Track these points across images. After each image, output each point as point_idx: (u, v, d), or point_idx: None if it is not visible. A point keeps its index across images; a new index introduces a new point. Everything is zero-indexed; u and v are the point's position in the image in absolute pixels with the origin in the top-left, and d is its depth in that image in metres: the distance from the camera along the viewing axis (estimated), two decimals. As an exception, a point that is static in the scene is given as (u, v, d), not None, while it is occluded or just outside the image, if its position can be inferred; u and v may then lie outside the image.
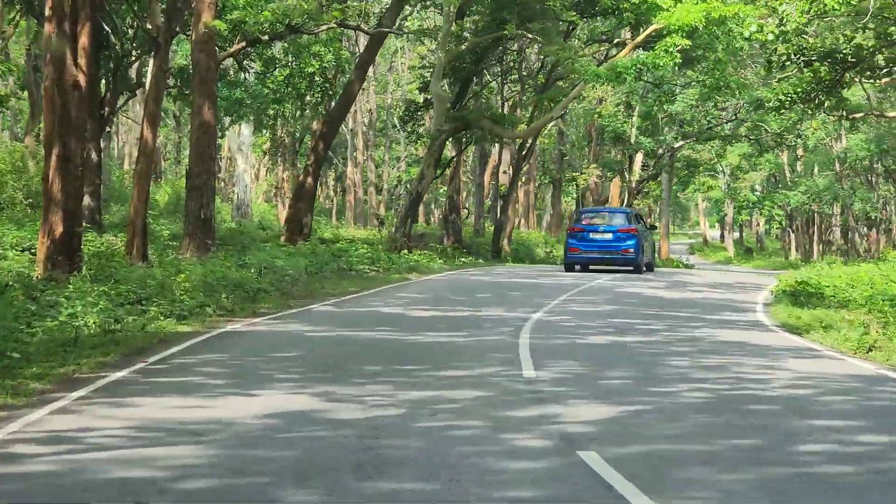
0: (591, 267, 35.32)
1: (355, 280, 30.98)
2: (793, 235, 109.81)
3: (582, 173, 69.50)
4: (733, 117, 58.14)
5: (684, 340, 18.28)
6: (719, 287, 32.57)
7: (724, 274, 41.81)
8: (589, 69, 39.89)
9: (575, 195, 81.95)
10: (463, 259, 42.25)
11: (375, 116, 76.64)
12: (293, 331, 18.97)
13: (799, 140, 63.24)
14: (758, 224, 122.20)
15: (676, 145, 59.62)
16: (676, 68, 39.51)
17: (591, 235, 34.56)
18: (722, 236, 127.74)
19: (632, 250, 34.34)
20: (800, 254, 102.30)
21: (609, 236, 34.39)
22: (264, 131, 61.26)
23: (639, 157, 59.93)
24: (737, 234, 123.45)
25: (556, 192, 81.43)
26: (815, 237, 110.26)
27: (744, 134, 61.44)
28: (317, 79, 37.98)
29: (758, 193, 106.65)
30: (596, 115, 67.41)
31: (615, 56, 41.76)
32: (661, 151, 59.29)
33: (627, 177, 58.69)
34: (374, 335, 18.19)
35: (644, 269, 35.17)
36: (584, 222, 35.61)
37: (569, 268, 35.47)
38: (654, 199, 78.67)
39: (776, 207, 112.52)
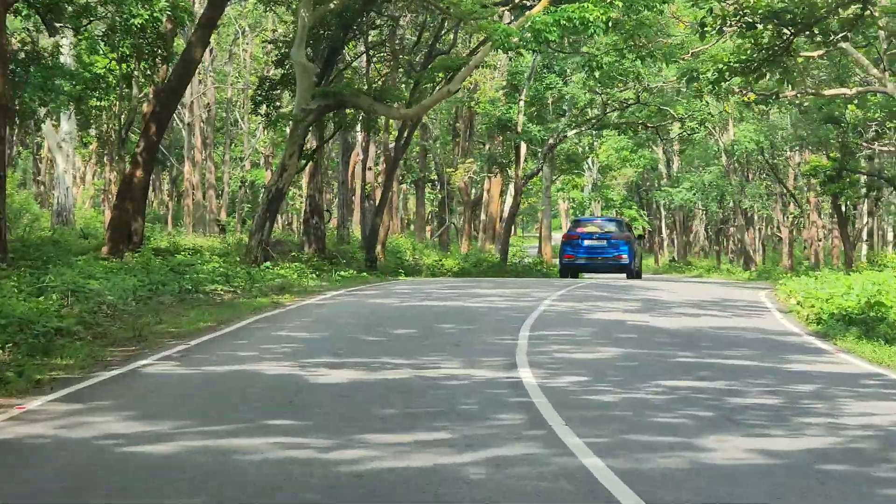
0: (579, 273, 36.45)
1: (206, 308, 21.21)
2: (663, 236, 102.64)
3: (456, 169, 60.43)
4: (635, 100, 49.69)
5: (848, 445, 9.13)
6: (710, 307, 23.68)
7: (683, 286, 33.09)
8: (499, 28, 30.72)
9: (440, 195, 72.87)
10: (342, 273, 32.62)
11: (215, 112, 66.43)
12: (90, 450, 9.02)
13: (702, 127, 55.10)
14: None
15: (570, 133, 50.97)
16: (609, 26, 30.47)
17: (586, 243, 35.22)
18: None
19: (625, 256, 35.10)
20: (676, 256, 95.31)
21: (604, 243, 35.08)
22: (91, 128, 50.85)
23: (523, 149, 51.06)
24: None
25: (420, 192, 72.30)
26: (697, 237, 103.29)
27: (641, 122, 53.05)
28: (147, 34, 27.94)
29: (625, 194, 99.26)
30: (469, 103, 58.38)
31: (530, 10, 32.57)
32: (550, 141, 50.61)
33: (515, 171, 49.75)
34: (266, 453, 8.58)
35: (635, 275, 35.93)
36: (578, 230, 36.18)
37: (564, 273, 36.13)
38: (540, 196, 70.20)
39: (642, 211, 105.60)
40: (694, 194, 74.70)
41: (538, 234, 69.29)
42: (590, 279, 35.78)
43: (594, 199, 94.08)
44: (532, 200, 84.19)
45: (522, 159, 50.93)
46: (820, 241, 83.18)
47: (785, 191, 79.66)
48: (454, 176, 59.72)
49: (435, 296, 24.43)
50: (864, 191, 68.16)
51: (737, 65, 36.29)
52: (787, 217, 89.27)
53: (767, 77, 38.15)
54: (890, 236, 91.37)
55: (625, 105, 50.83)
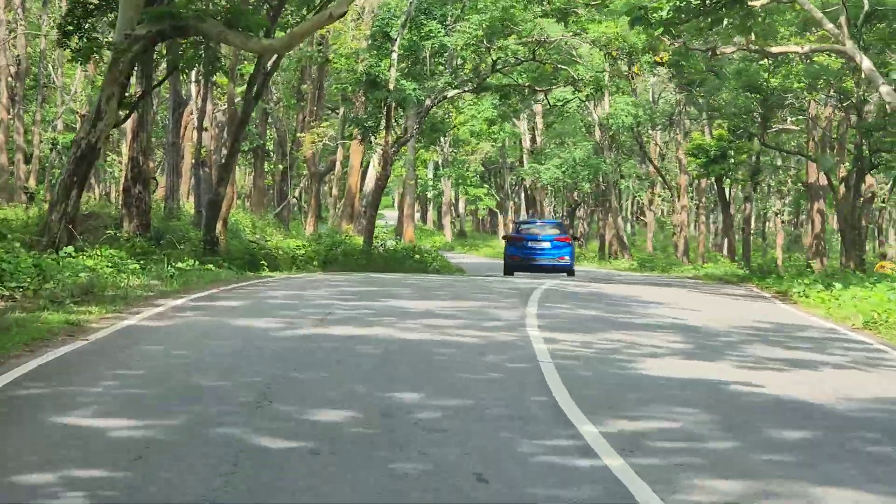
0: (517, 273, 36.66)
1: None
2: (502, 217, 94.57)
3: (306, 134, 50.83)
4: (530, 56, 40.78)
5: None
6: (781, 338, 14.82)
7: (667, 295, 24.44)
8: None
9: (282, 166, 63.09)
10: (178, 264, 22.77)
11: (26, 66, 55.46)
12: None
13: (597, 93, 46.54)
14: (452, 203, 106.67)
15: (450, 93, 41.79)
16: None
17: (530, 244, 36.40)
18: (423, 216, 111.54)
19: (567, 258, 36.28)
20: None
21: (547, 245, 36.31)
22: None
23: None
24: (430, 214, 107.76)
25: (259, 161, 62.50)
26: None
27: (528, 84, 44.26)
28: None
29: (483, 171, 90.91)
30: (320, 58, 48.92)
31: None
32: (427, 102, 41.43)
33: (385, 138, 40.34)
34: None
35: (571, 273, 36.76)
36: (522, 232, 37.52)
37: (508, 272, 36.76)
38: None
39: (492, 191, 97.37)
40: (564, 172, 66.41)
41: (397, 213, 60.26)
42: (532, 280, 30.65)
43: (445, 175, 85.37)
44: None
45: (391, 121, 41.67)
46: (690, 227, 76.08)
47: (652, 170, 72.22)
48: (305, 142, 50.16)
49: (341, 315, 15.02)
50: (744, 174, 61.31)
51: (697, 3, 27.82)
52: (654, 200, 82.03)
53: (724, 23, 29.79)
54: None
55: (518, 61, 41.89)
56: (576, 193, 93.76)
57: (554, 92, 47.78)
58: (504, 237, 41.22)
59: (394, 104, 40.65)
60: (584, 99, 45.96)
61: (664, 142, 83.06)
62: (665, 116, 70.91)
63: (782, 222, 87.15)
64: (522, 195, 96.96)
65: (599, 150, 67.42)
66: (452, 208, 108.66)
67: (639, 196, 71.52)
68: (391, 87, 39.89)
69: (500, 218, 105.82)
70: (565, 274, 35.82)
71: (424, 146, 68.27)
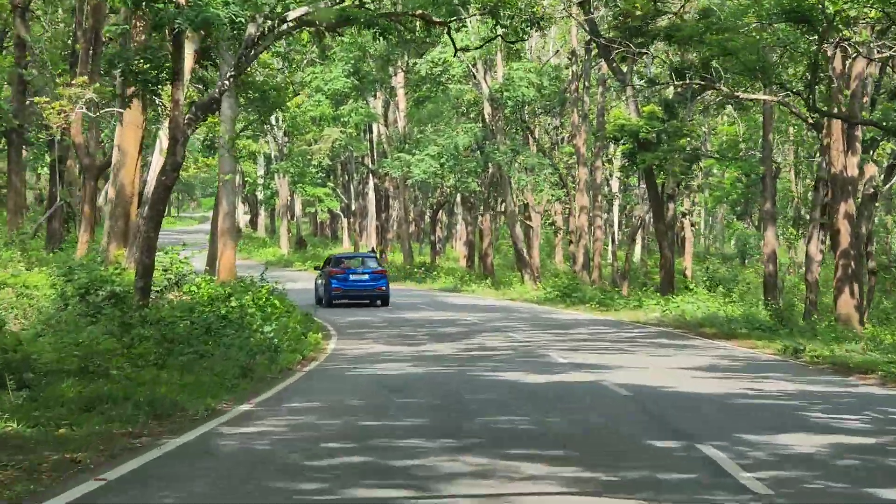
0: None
1: None
2: (347, 221, 75.45)
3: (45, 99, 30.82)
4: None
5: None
6: None
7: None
8: None
9: (51, 157, 42.81)
10: None
11: None
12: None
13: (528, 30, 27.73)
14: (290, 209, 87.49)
15: (292, 15, 22.52)
16: None
17: (352, 277, 38.18)
18: (253, 220, 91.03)
19: (384, 288, 38.30)
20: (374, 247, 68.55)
21: (366, 277, 38.22)
22: None
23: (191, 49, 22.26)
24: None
25: (14, 150, 42.46)
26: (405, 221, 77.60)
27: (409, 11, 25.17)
28: None
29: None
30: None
31: None
32: (252, 31, 22.28)
33: (172, 91, 21.00)
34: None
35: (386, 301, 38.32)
36: (342, 266, 38.83)
37: (330, 304, 37.88)
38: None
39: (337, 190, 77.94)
40: (443, 164, 47.40)
41: (211, 225, 40.37)
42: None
43: (280, 171, 65.69)
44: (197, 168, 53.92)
45: (188, 70, 21.99)
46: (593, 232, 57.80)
47: (544, 162, 53.99)
48: (46, 113, 30.04)
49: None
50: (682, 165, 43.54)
51: None
52: (544, 199, 63.65)
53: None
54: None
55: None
56: (439, 191, 75.03)
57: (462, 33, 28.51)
58: (319, 269, 41.25)
59: (188, 31, 21.00)
60: (511, 37, 26.79)
61: (553, 127, 64.85)
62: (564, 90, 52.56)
63: (692, 225, 68.81)
64: (372, 195, 77.97)
65: (490, 134, 48.52)
66: (289, 211, 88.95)
67: (547, 195, 52.82)
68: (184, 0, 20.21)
69: (344, 222, 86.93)
70: (381, 302, 38.14)
71: (253, 131, 48.55)
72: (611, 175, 67.16)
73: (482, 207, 61.82)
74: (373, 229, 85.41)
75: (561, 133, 64.82)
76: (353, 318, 32.55)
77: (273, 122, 66.26)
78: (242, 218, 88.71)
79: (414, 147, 51.04)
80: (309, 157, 60.41)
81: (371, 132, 66.21)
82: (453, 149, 48.25)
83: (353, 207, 73.73)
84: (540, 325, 29.49)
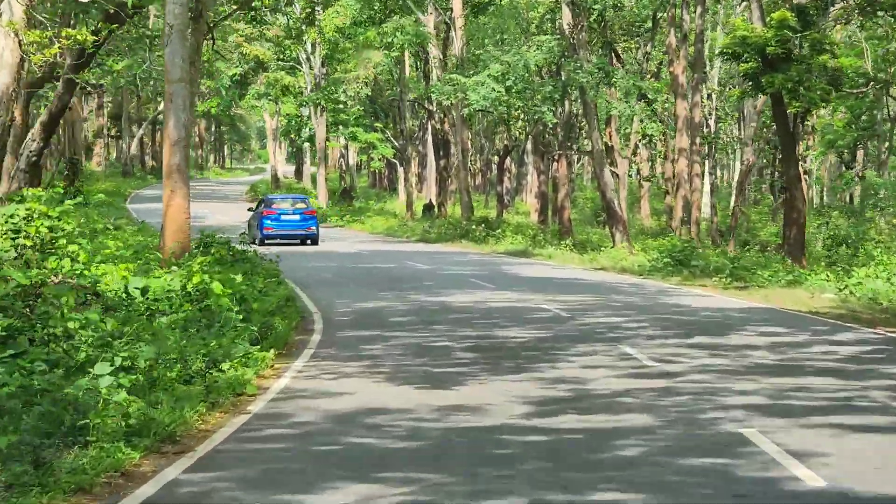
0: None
1: None
2: (403, 170, 63.35)
3: None
4: None
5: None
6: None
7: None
8: None
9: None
10: None
11: None
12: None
13: None
14: (343, 154, 75.63)
15: None
16: None
17: (283, 217, 38.17)
18: (299, 171, 78.86)
19: (314, 228, 38.56)
20: (433, 200, 57.12)
21: (297, 217, 38.24)
22: None
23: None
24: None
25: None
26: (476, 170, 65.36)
27: None
28: None
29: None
30: None
31: None
32: None
33: None
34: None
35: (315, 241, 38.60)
36: (274, 206, 38.80)
37: (262, 243, 36.45)
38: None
39: (387, 131, 65.75)
40: (509, 88, 35.05)
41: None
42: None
43: (311, 102, 53.55)
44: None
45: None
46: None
47: (642, 85, 41.25)
48: None
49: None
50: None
51: None
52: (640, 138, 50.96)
53: None
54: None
55: None
56: (506, 135, 62.88)
57: None
58: (252, 210, 40.98)
59: None
60: None
61: (641, 53, 52.09)
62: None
63: (805, 174, 55.81)
64: (430, 139, 65.92)
65: (568, 50, 36.11)
66: (342, 161, 77.29)
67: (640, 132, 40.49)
68: None
69: (401, 171, 75.06)
70: (310, 242, 38.43)
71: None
72: (710, 114, 54.51)
73: (557, 148, 49.45)
74: (432, 179, 73.33)
75: (651, 61, 52.20)
76: (363, 305, 20.55)
77: (309, 49, 54.33)
78: (282, 166, 76.86)
79: (471, 68, 38.76)
80: (344, 86, 48.20)
81: (427, 63, 54.06)
82: (522, 68, 35.84)
83: (407, 151, 61.41)
84: (676, 327, 17.11)
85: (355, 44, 49.14)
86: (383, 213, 55.39)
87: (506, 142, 66.72)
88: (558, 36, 37.57)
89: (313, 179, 78.03)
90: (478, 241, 39.35)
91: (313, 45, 53.41)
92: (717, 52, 39.94)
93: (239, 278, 18.69)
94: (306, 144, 69.42)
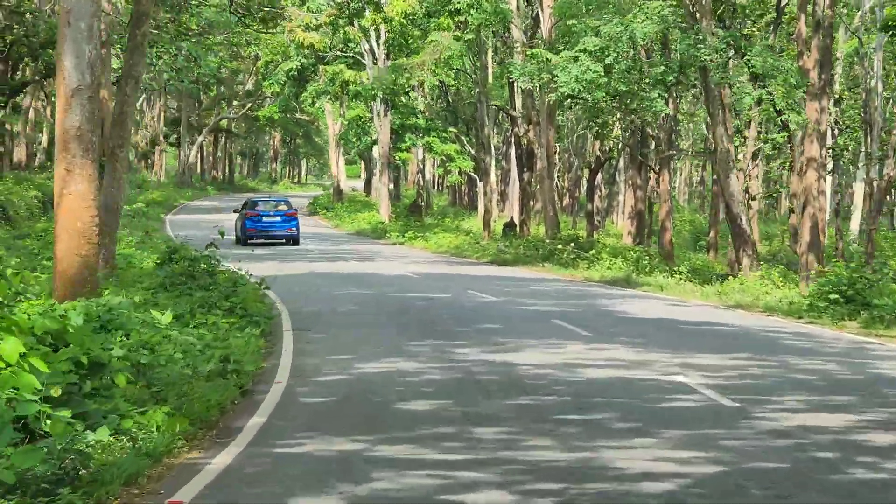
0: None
1: None
2: (483, 184, 54.97)
3: None
4: None
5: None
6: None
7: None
8: None
9: None
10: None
11: None
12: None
13: None
14: (421, 166, 67.54)
15: None
16: None
17: (265, 219, 38.61)
18: (368, 184, 70.42)
19: (294, 229, 38.87)
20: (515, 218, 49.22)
21: (278, 219, 38.71)
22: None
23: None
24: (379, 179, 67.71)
25: None
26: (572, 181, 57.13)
27: None
28: None
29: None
30: None
31: None
32: None
33: None
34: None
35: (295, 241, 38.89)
36: (257, 209, 39.27)
37: (244, 243, 37.91)
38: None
39: (465, 137, 57.42)
40: (608, 66, 26.29)
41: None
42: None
43: (363, 93, 44.90)
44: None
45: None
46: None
47: (786, 67, 32.09)
48: None
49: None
50: None
51: None
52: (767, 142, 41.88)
53: None
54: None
55: None
56: (598, 146, 54.69)
57: None
58: (237, 212, 40.61)
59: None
60: None
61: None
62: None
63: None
64: (512, 151, 57.89)
65: (687, 20, 27.29)
66: (420, 176, 69.05)
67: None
68: None
69: (480, 186, 66.78)
70: (292, 242, 38.61)
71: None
72: (836, 122, 45.31)
73: (655, 154, 41.00)
74: (515, 196, 64.69)
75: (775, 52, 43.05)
76: (370, 368, 11.92)
77: (372, 37, 46.07)
78: (344, 179, 68.49)
79: (561, 45, 30.09)
80: (406, 73, 39.71)
81: (506, 49, 45.59)
82: (626, 42, 27.10)
83: (486, 162, 52.86)
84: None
85: (425, 33, 40.81)
86: (455, 231, 46.91)
87: (598, 153, 58.05)
88: (673, 4, 28.78)
89: (391, 195, 69.57)
90: (565, 264, 30.60)
91: (377, 32, 45.11)
92: (878, 26, 31.01)
93: (166, 318, 10.41)
94: (375, 154, 61.20)
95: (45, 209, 49.07)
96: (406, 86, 41.06)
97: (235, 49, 74.65)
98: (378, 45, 45.80)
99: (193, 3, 54.83)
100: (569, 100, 31.31)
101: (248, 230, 38.34)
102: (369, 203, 56.66)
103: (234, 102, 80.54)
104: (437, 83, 53.09)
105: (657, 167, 41.18)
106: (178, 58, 52.76)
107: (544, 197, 39.73)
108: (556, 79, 28.62)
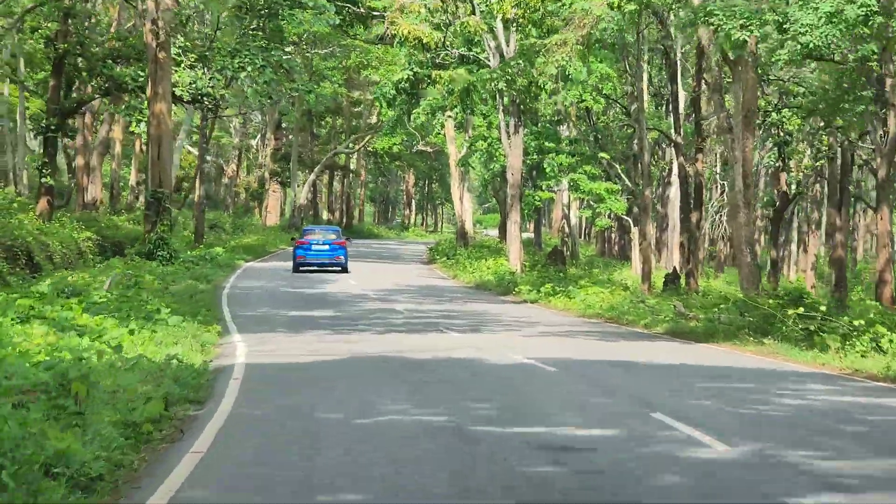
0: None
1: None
2: (638, 230, 42.79)
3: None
4: None
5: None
6: None
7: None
8: None
9: None
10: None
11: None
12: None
13: None
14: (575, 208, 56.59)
15: None
16: None
17: (314, 248, 39.15)
18: (503, 228, 57.99)
19: (342, 257, 39.13)
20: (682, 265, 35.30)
21: (326, 248, 39.17)
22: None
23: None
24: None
25: None
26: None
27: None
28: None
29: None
30: None
31: None
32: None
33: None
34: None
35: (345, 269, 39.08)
36: (307, 237, 40.02)
37: (295, 270, 38.83)
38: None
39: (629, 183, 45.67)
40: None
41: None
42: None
43: (491, 81, 32.67)
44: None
45: None
46: None
47: None
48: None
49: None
50: None
51: None
52: None
53: None
54: None
55: None
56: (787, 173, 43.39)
57: None
58: (293, 239, 42.41)
59: None
60: None
61: None
62: None
63: None
64: (674, 188, 46.52)
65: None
66: (564, 222, 57.55)
67: None
68: None
69: (635, 231, 54.66)
70: (340, 270, 38.79)
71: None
72: None
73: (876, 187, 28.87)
74: (675, 243, 51.98)
75: None
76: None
77: (499, 29, 34.14)
78: (471, 218, 56.21)
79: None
80: (542, 58, 27.31)
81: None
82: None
83: (645, 199, 40.52)
84: None
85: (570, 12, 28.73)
86: (606, 284, 34.37)
87: (783, 187, 46.12)
88: None
89: (528, 243, 57.27)
90: (795, 341, 18.01)
91: (505, 23, 33.20)
92: None
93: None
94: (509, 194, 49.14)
95: (104, 253, 38.41)
96: (543, 81, 28.63)
97: (351, 76, 63.75)
98: (507, 41, 33.82)
99: (285, 4, 44.02)
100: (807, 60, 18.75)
101: (298, 258, 39.04)
102: (500, 249, 44.52)
103: (353, 136, 69.47)
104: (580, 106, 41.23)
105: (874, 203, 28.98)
106: (265, 70, 41.58)
107: (738, 235, 26.83)
108: (788, 25, 16.16)
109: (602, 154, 42.92)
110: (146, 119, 38.86)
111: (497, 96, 35.04)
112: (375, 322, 21.27)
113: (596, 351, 17.15)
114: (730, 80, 30.51)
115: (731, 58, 25.58)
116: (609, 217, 56.48)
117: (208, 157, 72.79)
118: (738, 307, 21.57)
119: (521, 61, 29.64)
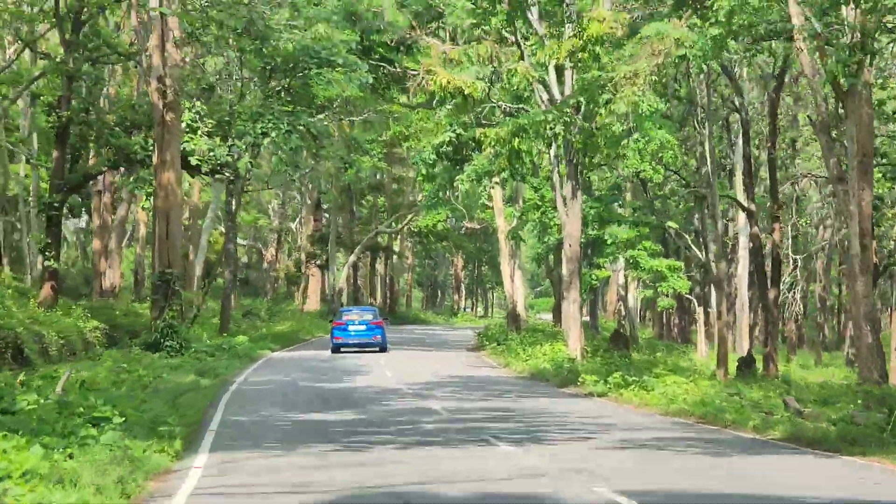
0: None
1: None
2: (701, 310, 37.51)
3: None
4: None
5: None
6: None
7: None
8: None
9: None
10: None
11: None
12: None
13: None
14: (625, 288, 51.75)
15: None
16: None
17: (350, 328, 39.07)
18: (558, 310, 52.62)
19: (379, 337, 39.14)
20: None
21: (363, 328, 39.07)
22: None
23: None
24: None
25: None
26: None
27: None
28: None
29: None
30: None
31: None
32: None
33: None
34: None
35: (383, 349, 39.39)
36: (343, 318, 39.98)
37: (334, 351, 38.80)
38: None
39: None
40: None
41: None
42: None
43: (545, 124, 27.84)
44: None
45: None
46: None
47: None
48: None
49: None
50: None
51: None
52: None
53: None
54: None
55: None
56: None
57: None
58: (331, 321, 43.26)
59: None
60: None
61: None
62: None
63: None
64: (740, 265, 42.36)
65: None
66: (621, 304, 52.68)
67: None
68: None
69: (700, 312, 50.17)
70: (379, 350, 38.82)
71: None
72: None
73: None
74: (745, 324, 46.99)
75: None
76: None
77: (552, 77, 29.31)
78: (523, 300, 50.90)
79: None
80: (605, 93, 22.21)
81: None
82: None
83: (718, 272, 35.68)
84: None
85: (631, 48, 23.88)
86: (678, 371, 28.90)
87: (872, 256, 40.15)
88: None
89: (584, 326, 51.88)
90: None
91: (558, 70, 28.41)
92: None
93: None
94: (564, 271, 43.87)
95: (115, 344, 33.74)
96: (610, 121, 23.50)
97: (391, 150, 59.22)
98: (561, 87, 28.97)
99: (312, 63, 39.53)
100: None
101: (336, 338, 38.90)
102: (555, 334, 39.22)
103: (395, 214, 64.76)
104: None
105: None
106: (290, 136, 37.11)
107: (856, 309, 21.49)
108: None
109: (671, 223, 37.79)
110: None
111: (551, 156, 30.16)
112: (404, 429, 16.14)
113: (709, 473, 11.84)
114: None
115: (844, 89, 20.52)
116: (669, 296, 51.12)
117: (245, 241, 68.44)
118: (878, 403, 16.16)
119: (581, 98, 24.61)
